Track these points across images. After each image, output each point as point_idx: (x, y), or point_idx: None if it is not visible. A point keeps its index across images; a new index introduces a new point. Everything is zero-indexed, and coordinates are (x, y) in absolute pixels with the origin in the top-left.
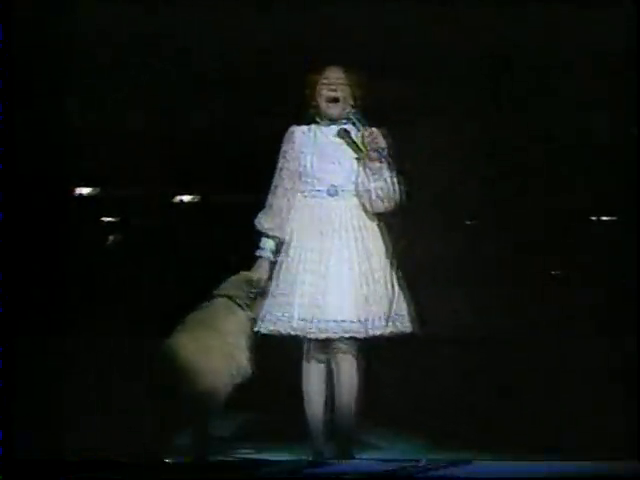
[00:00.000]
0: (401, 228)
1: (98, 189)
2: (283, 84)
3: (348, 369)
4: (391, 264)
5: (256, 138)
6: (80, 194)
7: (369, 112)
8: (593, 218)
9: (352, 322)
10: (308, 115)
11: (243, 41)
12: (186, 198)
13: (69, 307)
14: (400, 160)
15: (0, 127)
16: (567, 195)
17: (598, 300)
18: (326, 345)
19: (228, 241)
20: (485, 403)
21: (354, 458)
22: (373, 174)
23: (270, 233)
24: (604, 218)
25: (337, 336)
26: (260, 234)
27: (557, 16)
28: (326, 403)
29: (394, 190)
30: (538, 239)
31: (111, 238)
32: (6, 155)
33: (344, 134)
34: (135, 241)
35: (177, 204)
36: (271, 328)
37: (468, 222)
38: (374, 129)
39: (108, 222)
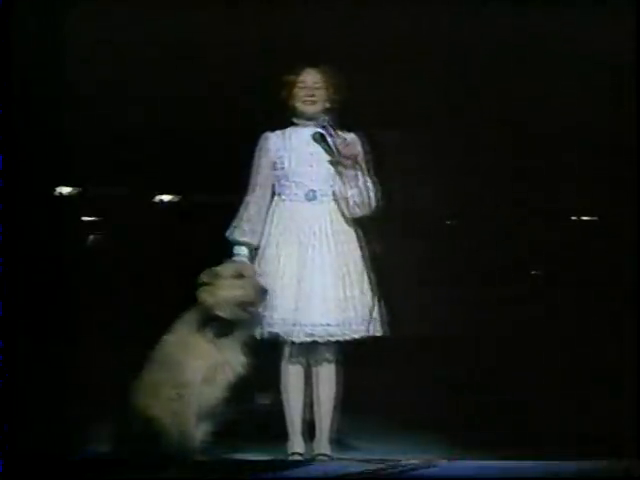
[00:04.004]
0: (378, 231)
1: (90, 190)
2: (267, 84)
3: (328, 372)
4: (367, 268)
5: (241, 138)
6: (71, 195)
7: (346, 115)
8: (574, 218)
9: (337, 325)
10: (284, 116)
11: (227, 43)
12: (183, 199)
13: (68, 308)
14: (377, 164)
15: None
16: (552, 195)
17: (594, 299)
18: (306, 348)
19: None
20: (476, 402)
21: (333, 459)
22: (349, 181)
23: (242, 241)
24: (586, 218)
25: (323, 340)
26: (232, 242)
27: (556, 16)
28: (305, 404)
29: (370, 196)
30: (518, 239)
31: (103, 239)
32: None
33: (319, 138)
34: (129, 242)
35: (175, 204)
36: (268, 330)
37: (448, 222)
38: (347, 136)
39: (103, 223)
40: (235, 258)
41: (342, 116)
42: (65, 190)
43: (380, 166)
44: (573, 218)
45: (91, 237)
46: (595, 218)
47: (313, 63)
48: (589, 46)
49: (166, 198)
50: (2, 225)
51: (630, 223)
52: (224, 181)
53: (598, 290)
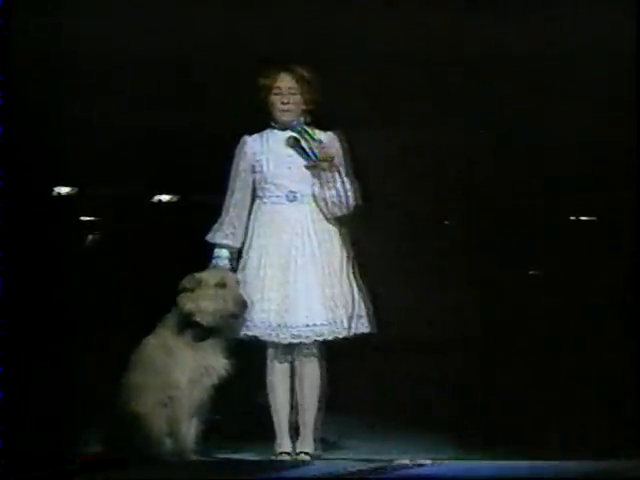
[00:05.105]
0: (362, 230)
1: (88, 190)
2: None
3: (312, 371)
4: (351, 266)
5: (237, 138)
6: (69, 195)
7: (323, 116)
8: (573, 218)
9: (323, 325)
10: (262, 118)
11: (222, 43)
12: (182, 199)
13: (67, 309)
14: (359, 163)
15: None
16: (551, 195)
17: (594, 298)
18: (293, 348)
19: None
20: (475, 402)
21: (317, 458)
22: (327, 182)
23: (223, 244)
24: (586, 218)
25: (310, 340)
26: (213, 245)
27: (556, 14)
28: (292, 402)
29: (348, 196)
30: (515, 239)
31: (102, 239)
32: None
33: (294, 143)
34: (127, 242)
35: (174, 204)
36: (250, 334)
37: (446, 222)
38: (324, 136)
39: (101, 223)
40: (216, 261)
41: (321, 115)
42: (63, 190)
43: (368, 166)
44: (572, 218)
45: (89, 237)
46: (595, 218)
47: (288, 68)
48: (588, 46)
49: (164, 198)
50: (1, 225)
51: (630, 223)
52: (222, 181)
53: (598, 290)
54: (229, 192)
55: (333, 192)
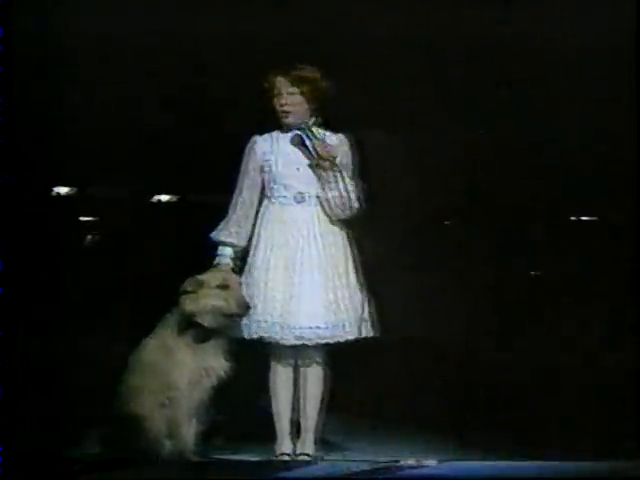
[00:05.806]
0: (366, 233)
1: (88, 190)
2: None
3: (315, 373)
4: (356, 270)
5: (237, 138)
6: (67, 195)
7: (329, 118)
8: (574, 218)
9: (326, 328)
10: (268, 120)
11: (222, 42)
12: (181, 199)
13: (66, 309)
14: (363, 166)
15: None
16: (551, 195)
17: (594, 299)
18: (296, 350)
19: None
20: (474, 402)
21: (318, 459)
22: (328, 183)
23: (227, 242)
24: (586, 218)
25: (312, 343)
26: (217, 243)
27: (555, 12)
28: (293, 404)
29: (350, 198)
30: (515, 240)
31: (101, 239)
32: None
33: (297, 141)
34: (127, 242)
35: (173, 205)
36: (254, 334)
37: (447, 222)
38: (333, 138)
39: (100, 223)
40: (219, 259)
41: (330, 117)
42: (63, 190)
43: (370, 167)
44: (573, 218)
45: (89, 237)
46: (595, 218)
47: (283, 70)
48: (589, 44)
49: (164, 198)
50: (1, 225)
51: (630, 223)
52: (222, 181)
53: (598, 290)
54: (237, 191)
55: (335, 193)
